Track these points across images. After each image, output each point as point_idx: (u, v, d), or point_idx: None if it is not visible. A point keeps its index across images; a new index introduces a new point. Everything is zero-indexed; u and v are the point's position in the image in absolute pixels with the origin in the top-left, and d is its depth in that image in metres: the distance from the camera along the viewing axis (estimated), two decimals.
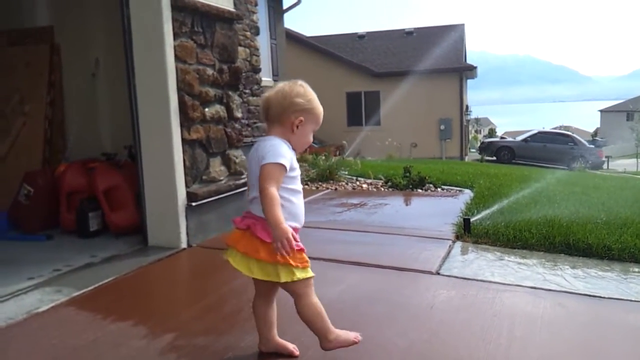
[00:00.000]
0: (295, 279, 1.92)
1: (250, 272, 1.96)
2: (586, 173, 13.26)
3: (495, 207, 4.63)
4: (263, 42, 11.58)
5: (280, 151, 1.92)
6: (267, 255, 1.90)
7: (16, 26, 4.90)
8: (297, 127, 1.99)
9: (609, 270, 3.37)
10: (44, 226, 4.21)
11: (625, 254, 3.56)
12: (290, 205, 1.97)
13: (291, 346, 2.14)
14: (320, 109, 2.06)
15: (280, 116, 1.99)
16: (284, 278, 1.91)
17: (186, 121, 3.71)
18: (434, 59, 24.16)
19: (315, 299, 2.02)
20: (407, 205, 5.57)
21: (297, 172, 2.01)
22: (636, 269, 3.39)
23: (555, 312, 2.64)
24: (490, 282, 3.05)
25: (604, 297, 2.83)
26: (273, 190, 1.86)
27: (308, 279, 1.97)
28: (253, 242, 1.93)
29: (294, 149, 2.02)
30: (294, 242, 1.86)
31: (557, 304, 2.75)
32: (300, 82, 2.06)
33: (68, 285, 3.00)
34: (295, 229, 1.95)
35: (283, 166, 1.90)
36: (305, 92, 2.03)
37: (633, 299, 2.81)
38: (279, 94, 2.02)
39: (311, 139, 2.07)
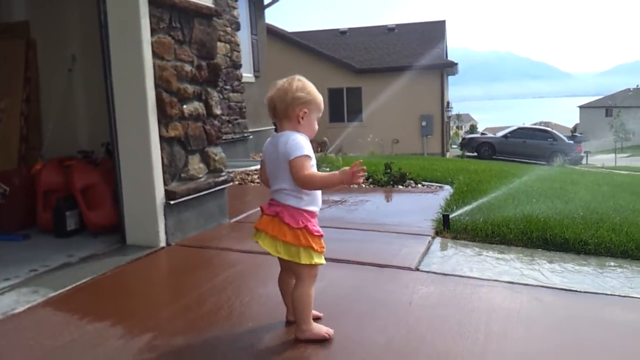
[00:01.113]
0: (312, 263, 2.13)
1: (278, 252, 2.17)
2: (565, 168, 13.45)
3: (473, 203, 4.67)
4: (244, 37, 11.51)
5: (302, 144, 2.13)
6: (293, 239, 2.12)
7: None
8: (303, 118, 2.19)
9: (586, 264, 3.43)
10: (21, 226, 4.14)
11: (602, 249, 3.63)
12: (314, 192, 2.19)
13: (316, 312, 2.32)
14: (319, 97, 2.24)
15: (286, 111, 2.19)
16: (304, 260, 2.13)
17: (164, 118, 3.67)
18: (416, 55, 24.31)
19: (311, 291, 2.19)
20: (387, 201, 5.60)
21: (314, 161, 2.19)
22: (612, 263, 3.45)
23: (532, 307, 2.68)
24: (468, 277, 3.08)
25: (580, 292, 2.88)
26: (312, 173, 2.12)
27: (315, 267, 2.17)
28: (281, 227, 2.13)
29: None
30: (357, 170, 2.09)
31: (534, 298, 2.79)
32: (297, 77, 2.24)
33: (45, 285, 2.96)
34: (314, 214, 2.20)
35: (308, 156, 2.13)
36: (304, 85, 2.21)
37: (609, 293, 2.87)
38: (281, 91, 2.21)
39: (316, 127, 2.25)
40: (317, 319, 2.34)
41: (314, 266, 2.17)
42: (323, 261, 2.18)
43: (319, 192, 2.23)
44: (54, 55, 4.64)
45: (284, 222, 2.13)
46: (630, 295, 2.84)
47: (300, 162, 2.11)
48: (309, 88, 2.22)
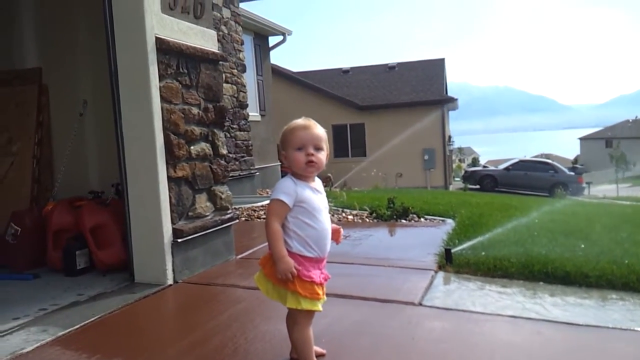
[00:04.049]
0: (300, 308, 2.12)
1: (267, 292, 2.20)
2: (566, 200, 13.47)
3: (475, 237, 4.71)
4: (250, 78, 11.79)
5: (280, 188, 2.14)
6: (280, 281, 2.11)
7: (6, 67, 5.00)
8: (285, 158, 2.21)
9: (587, 297, 3.43)
10: (31, 265, 4.21)
11: (603, 281, 3.62)
12: (305, 236, 2.14)
13: (319, 349, 2.37)
14: (289, 128, 2.20)
15: None
16: (289, 304, 2.13)
17: (172, 159, 3.78)
18: (416, 92, 24.71)
19: (309, 332, 2.20)
20: (390, 236, 5.65)
21: (312, 204, 2.17)
22: (614, 296, 3.45)
23: (534, 341, 2.70)
24: (471, 312, 3.11)
25: (581, 325, 2.89)
26: (274, 225, 2.10)
27: (310, 311, 2.14)
28: (272, 267, 2.14)
29: (302, 178, 2.19)
30: (295, 273, 2.07)
31: (535, 332, 2.81)
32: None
33: (54, 324, 3.01)
34: (309, 258, 2.14)
35: (282, 202, 2.10)
36: (282, 132, 2.24)
37: (610, 326, 2.86)
38: None
39: (300, 157, 2.16)
40: (320, 355, 2.37)
41: (309, 310, 2.15)
42: (315, 307, 2.14)
43: (318, 236, 2.17)
44: (65, 100, 4.81)
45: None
46: (632, 328, 2.83)
47: (270, 206, 2.16)
48: (283, 130, 2.23)
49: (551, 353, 2.55)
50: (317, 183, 2.28)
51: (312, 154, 2.16)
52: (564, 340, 2.73)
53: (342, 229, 2.42)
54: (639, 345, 2.67)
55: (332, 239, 2.34)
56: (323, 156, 2.20)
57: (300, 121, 2.22)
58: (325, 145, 2.23)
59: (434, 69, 27.46)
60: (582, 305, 3.29)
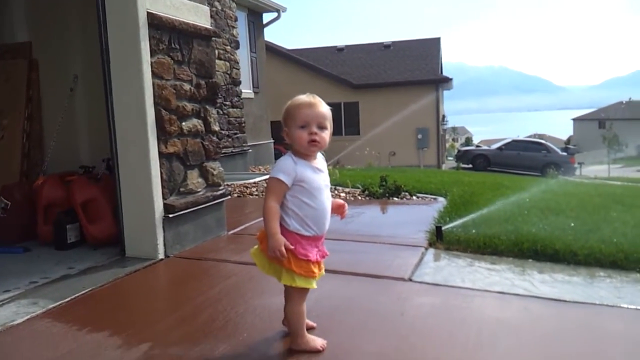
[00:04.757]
0: (294, 285, 2.13)
1: (263, 267, 2.21)
2: (558, 180, 13.54)
3: (466, 215, 4.74)
4: (243, 55, 11.68)
5: (280, 166, 2.12)
6: (274, 257, 2.11)
7: None
8: (287, 136, 2.17)
9: (575, 274, 3.47)
10: (22, 239, 4.21)
11: (591, 259, 3.66)
12: (304, 215, 2.13)
13: (310, 322, 2.40)
14: (293, 105, 2.16)
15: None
16: (283, 280, 2.14)
17: (163, 135, 3.76)
18: (411, 71, 24.58)
19: (301, 307, 2.22)
20: (382, 213, 5.68)
21: (312, 184, 2.14)
22: (601, 274, 3.49)
23: (522, 317, 2.72)
24: (460, 287, 3.14)
25: (569, 302, 2.92)
26: (270, 204, 2.10)
27: (305, 288, 2.15)
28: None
29: (303, 156, 2.16)
30: (285, 252, 2.06)
31: (524, 308, 2.84)
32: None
33: (44, 297, 3.02)
34: (307, 237, 2.14)
35: (280, 181, 2.09)
36: (285, 107, 2.20)
37: (597, 303, 2.89)
38: None
39: (303, 135, 2.12)
40: (311, 328, 2.39)
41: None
42: (310, 285, 2.14)
43: (317, 215, 2.16)
44: (56, 75, 4.75)
45: None
46: (618, 305, 2.87)
47: (268, 184, 2.16)
48: (285, 106, 2.20)
49: (538, 329, 2.58)
50: (319, 161, 2.25)
51: (316, 133, 2.12)
52: (552, 316, 2.76)
53: (346, 204, 2.40)
54: (625, 322, 2.70)
55: (337, 213, 2.35)
56: (327, 135, 2.16)
57: (305, 98, 2.18)
58: (330, 124, 2.19)
59: (430, 48, 27.30)
60: (570, 282, 3.33)
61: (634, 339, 2.47)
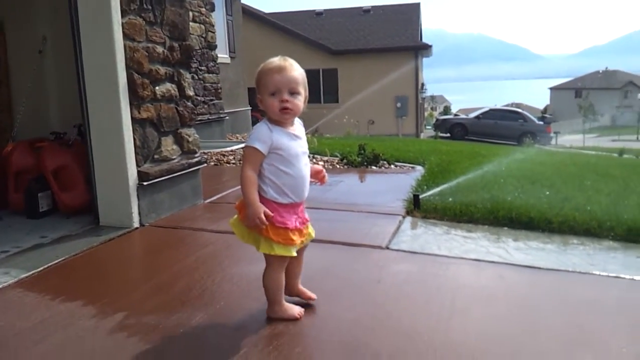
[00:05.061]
0: (273, 254, 2.11)
1: (242, 236, 2.17)
2: (534, 149, 13.71)
3: (443, 183, 4.77)
4: (219, 18, 11.40)
5: (255, 134, 2.07)
6: (252, 226, 2.08)
7: None
8: (261, 102, 2.11)
9: (549, 242, 3.52)
10: None
11: (565, 227, 3.71)
12: (281, 183, 2.10)
13: (309, 293, 2.39)
14: (263, 71, 2.09)
15: None
16: (262, 249, 2.11)
17: (136, 100, 3.66)
18: (391, 37, 24.38)
19: (280, 274, 2.20)
20: (360, 182, 5.67)
21: (289, 151, 2.10)
22: (575, 241, 3.55)
23: (496, 284, 2.76)
24: (436, 255, 3.17)
25: (542, 269, 2.96)
26: (247, 173, 2.06)
27: (284, 256, 2.12)
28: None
29: (279, 123, 2.11)
30: (264, 219, 2.02)
31: (498, 275, 2.88)
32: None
33: (16, 266, 2.96)
34: (284, 205, 2.11)
35: (255, 149, 2.04)
36: (256, 72, 2.12)
37: (570, 270, 2.94)
38: None
39: (274, 103, 2.06)
40: (309, 299, 2.39)
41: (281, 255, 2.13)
42: (289, 252, 2.12)
43: (296, 183, 2.12)
44: (23, 36, 4.55)
45: None
46: (590, 272, 2.92)
47: (244, 153, 2.12)
48: (257, 71, 2.12)
49: (512, 295, 2.62)
50: (297, 127, 2.19)
51: (287, 100, 2.06)
52: (526, 283, 2.81)
53: (324, 170, 2.37)
54: (596, 288, 2.75)
55: (316, 179, 2.32)
56: (300, 101, 2.10)
57: (276, 62, 2.09)
58: (303, 88, 2.12)
59: (409, 13, 27.02)
60: (544, 249, 3.38)
61: (605, 305, 2.52)
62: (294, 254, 2.15)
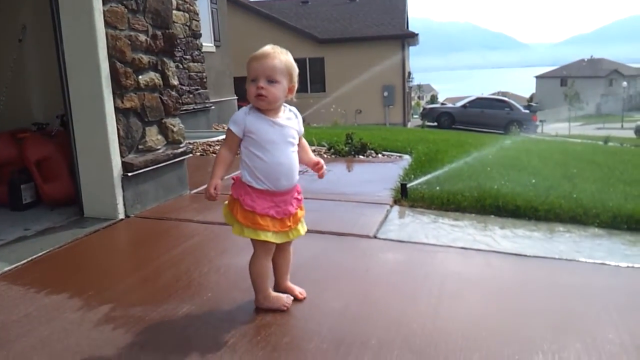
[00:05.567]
0: (243, 236, 2.14)
1: (225, 217, 2.22)
2: (520, 137, 13.80)
3: (431, 172, 4.77)
4: (203, 6, 11.27)
5: (233, 117, 2.16)
6: (230, 208, 2.18)
7: None
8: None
9: (536, 230, 3.56)
10: None
11: (551, 215, 3.75)
12: (253, 167, 2.12)
13: (297, 290, 2.38)
14: (249, 58, 2.12)
15: None
16: (234, 231, 2.17)
17: (119, 89, 3.60)
18: (377, 26, 24.30)
19: (264, 262, 2.21)
20: (348, 171, 5.66)
21: (263, 136, 2.10)
22: (561, 229, 3.59)
23: (483, 271, 2.79)
24: (424, 243, 3.18)
25: (529, 256, 2.98)
26: (220, 150, 2.18)
27: (265, 241, 2.13)
28: (231, 197, 2.20)
29: (259, 110, 2.13)
30: (212, 194, 2.11)
31: (485, 263, 2.90)
32: None
33: (0, 259, 2.91)
34: (264, 191, 2.12)
35: (230, 130, 2.14)
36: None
37: (557, 257, 2.97)
38: None
39: (252, 89, 2.09)
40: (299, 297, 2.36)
41: (263, 241, 2.13)
42: (258, 237, 2.11)
43: (269, 170, 2.11)
44: (2, 24, 4.45)
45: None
46: (576, 259, 2.95)
47: (225, 134, 2.22)
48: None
49: (499, 283, 2.64)
50: (282, 116, 2.18)
51: (262, 87, 2.07)
52: (512, 271, 2.83)
53: (322, 161, 2.35)
54: (582, 275, 2.79)
55: (314, 171, 2.33)
56: (277, 89, 2.08)
57: (262, 50, 2.13)
58: (284, 77, 2.11)
59: (395, 2, 26.94)
60: (530, 237, 3.41)
61: (590, 292, 2.54)
62: (266, 238, 2.12)
